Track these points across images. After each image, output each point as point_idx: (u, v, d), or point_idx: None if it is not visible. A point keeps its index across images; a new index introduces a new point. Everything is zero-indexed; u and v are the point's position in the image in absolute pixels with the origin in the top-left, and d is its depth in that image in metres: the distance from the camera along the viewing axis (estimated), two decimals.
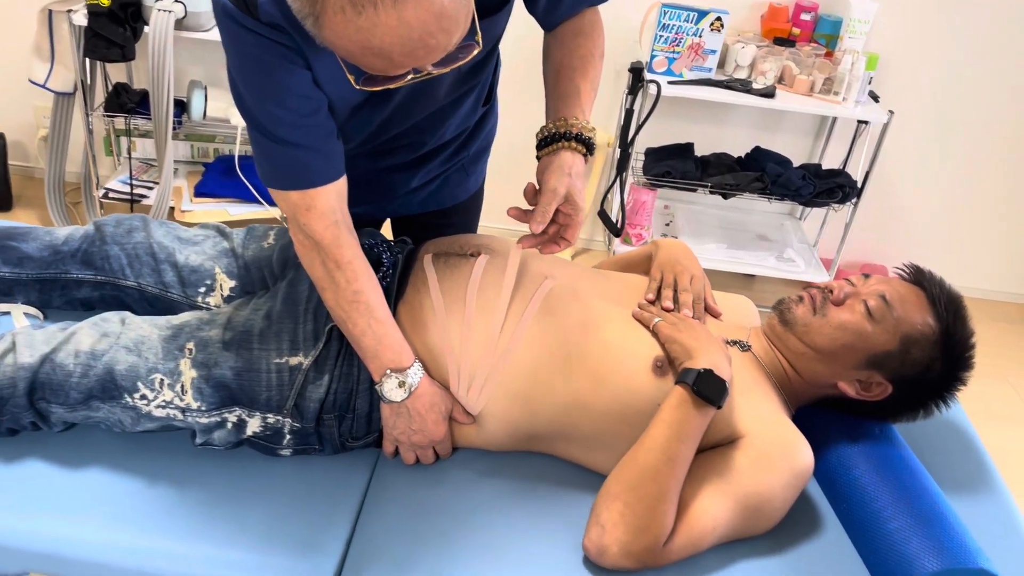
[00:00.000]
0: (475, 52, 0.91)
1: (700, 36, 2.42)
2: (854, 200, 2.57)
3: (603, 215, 2.69)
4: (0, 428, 1.15)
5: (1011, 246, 3.05)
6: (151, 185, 2.70)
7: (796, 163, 2.68)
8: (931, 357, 1.20)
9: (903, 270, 1.29)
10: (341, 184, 1.08)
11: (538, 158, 1.16)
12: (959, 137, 2.82)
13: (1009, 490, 1.33)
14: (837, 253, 2.69)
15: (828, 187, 2.53)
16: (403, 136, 1.28)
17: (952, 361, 1.21)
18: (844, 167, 2.73)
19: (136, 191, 2.64)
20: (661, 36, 2.43)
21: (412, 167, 1.39)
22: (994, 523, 1.24)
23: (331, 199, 1.06)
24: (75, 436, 1.19)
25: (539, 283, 1.22)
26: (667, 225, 2.84)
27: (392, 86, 0.91)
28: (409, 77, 0.90)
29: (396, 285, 1.24)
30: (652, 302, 1.27)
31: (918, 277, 1.26)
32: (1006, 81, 2.72)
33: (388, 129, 1.23)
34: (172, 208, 2.60)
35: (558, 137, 1.14)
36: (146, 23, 2.31)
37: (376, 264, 1.25)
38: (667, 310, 1.25)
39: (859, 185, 2.57)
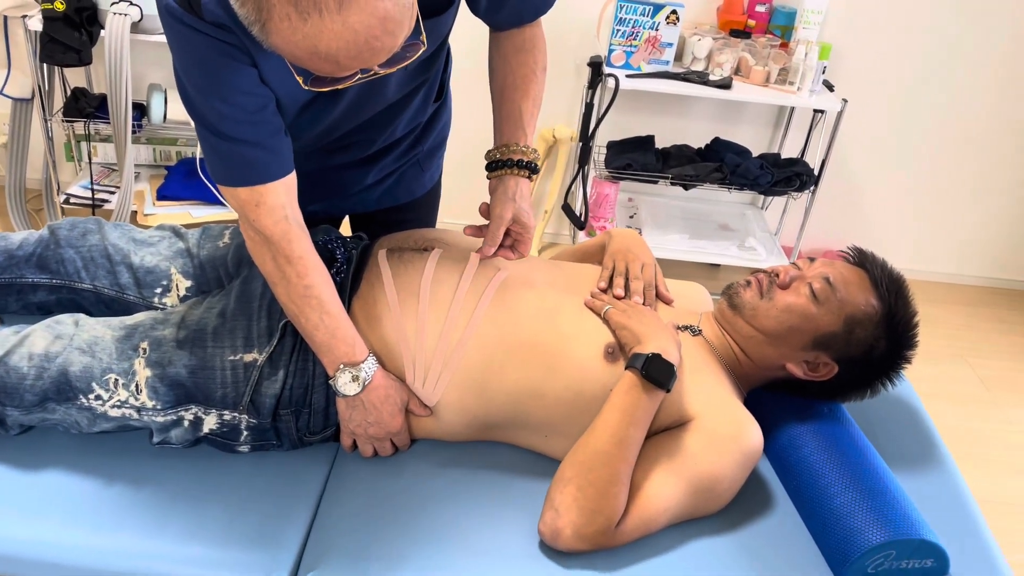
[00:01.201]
0: (421, 51, 0.93)
1: (656, 30, 2.45)
2: (812, 188, 2.62)
3: (567, 209, 2.72)
4: None
5: (967, 230, 3.11)
6: (113, 190, 2.69)
7: (756, 153, 2.72)
8: (875, 336, 1.23)
9: (847, 253, 1.33)
10: (290, 180, 1.10)
11: (489, 178, 1.25)
12: (913, 123, 2.88)
13: (956, 465, 1.37)
14: (797, 240, 2.74)
15: (786, 176, 2.57)
16: (354, 134, 1.29)
17: (896, 340, 1.25)
18: (802, 156, 2.77)
19: (98, 196, 2.63)
20: (618, 30, 2.45)
21: (366, 164, 1.41)
22: (940, 497, 1.28)
23: (280, 195, 1.07)
24: (32, 439, 1.20)
25: (492, 275, 1.24)
26: (631, 217, 2.87)
27: (340, 87, 0.93)
28: (357, 77, 0.91)
29: (350, 281, 1.26)
30: (604, 290, 1.30)
31: (861, 259, 1.30)
32: (957, 67, 2.78)
33: (338, 127, 1.25)
34: (135, 212, 2.59)
35: (502, 164, 1.23)
36: (102, 27, 2.30)
37: (330, 260, 1.27)
38: (618, 298, 1.28)
39: (816, 173, 2.61)
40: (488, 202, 1.26)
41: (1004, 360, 2.81)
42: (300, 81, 0.94)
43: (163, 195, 2.66)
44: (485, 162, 1.26)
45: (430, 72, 1.30)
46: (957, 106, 2.85)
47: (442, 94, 1.43)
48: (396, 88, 1.24)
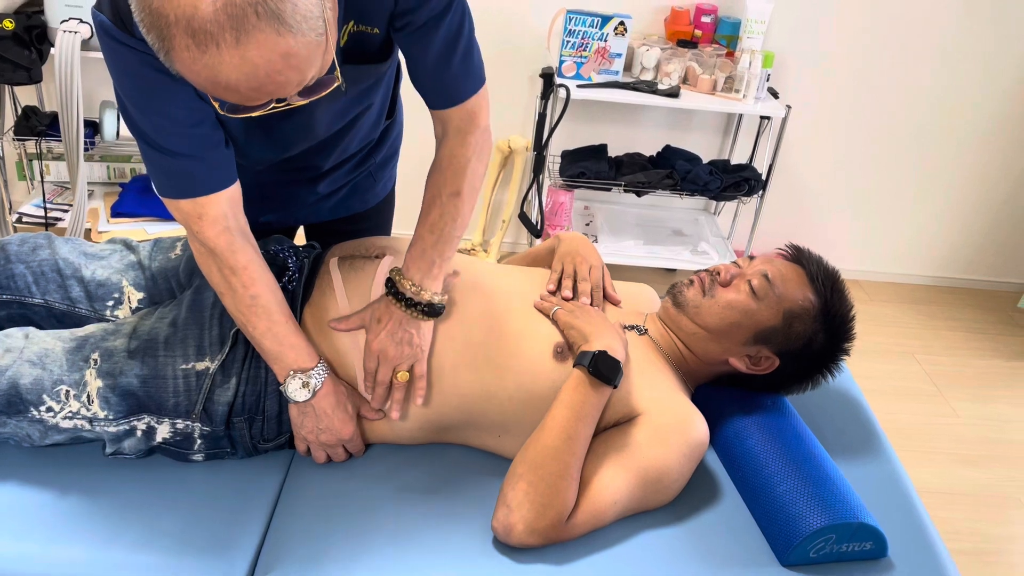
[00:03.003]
0: (335, 85, 0.94)
1: (605, 40, 2.50)
2: (760, 192, 2.68)
3: (523, 217, 2.76)
4: None
5: (912, 230, 3.21)
6: (66, 208, 2.67)
7: (706, 159, 2.78)
8: (813, 330, 1.28)
9: (785, 251, 1.38)
10: (233, 191, 1.11)
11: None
12: (855, 127, 2.97)
13: (896, 454, 1.42)
14: (748, 243, 2.80)
15: (735, 181, 2.63)
16: (303, 158, 1.32)
17: (833, 332, 1.30)
18: (751, 162, 2.84)
19: (51, 214, 2.61)
20: (568, 42, 2.50)
21: (318, 178, 1.43)
22: (880, 485, 1.32)
23: (222, 206, 1.09)
24: None
25: None
26: (587, 225, 2.91)
27: (255, 114, 0.93)
28: (271, 106, 0.92)
29: (302, 289, 1.27)
30: (553, 292, 1.33)
31: (797, 256, 1.35)
32: (895, 73, 2.88)
33: (286, 152, 1.27)
34: (88, 229, 2.57)
35: (393, 290, 1.19)
36: (52, 45, 2.30)
37: (282, 269, 1.28)
38: (567, 299, 1.31)
39: (764, 178, 2.68)
40: None
41: (951, 356, 2.89)
42: (216, 107, 0.94)
43: (117, 212, 2.64)
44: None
45: (373, 100, 1.32)
46: (897, 110, 2.95)
47: (393, 111, 1.46)
48: (333, 118, 1.25)
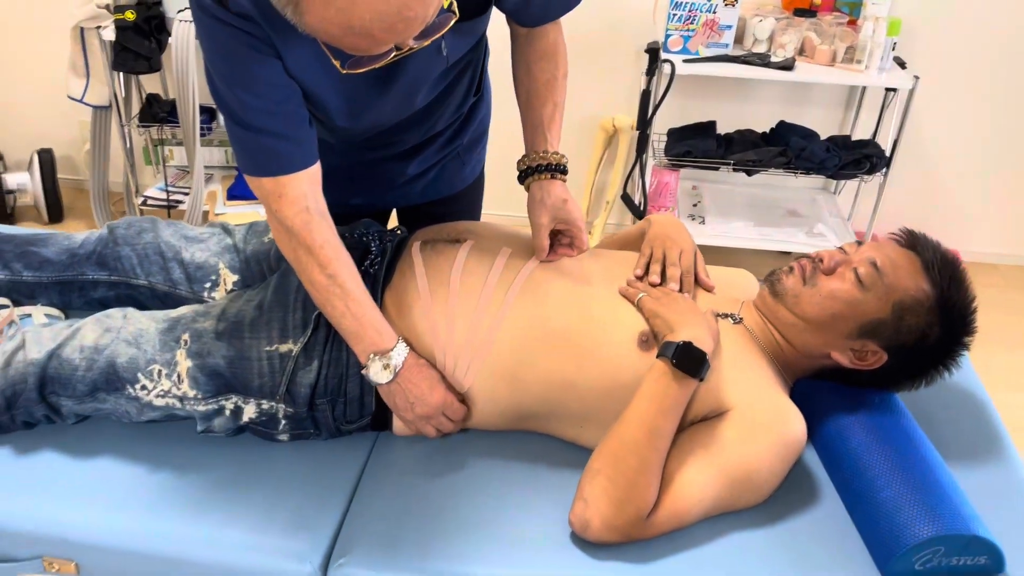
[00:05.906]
0: (453, 21, 0.94)
1: (714, 12, 2.39)
2: (884, 170, 2.51)
3: (626, 198, 2.69)
4: (16, 422, 1.22)
5: None
6: (187, 191, 2.80)
7: (825, 136, 2.62)
8: (927, 323, 1.17)
9: (898, 235, 1.27)
10: (314, 171, 1.12)
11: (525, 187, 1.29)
12: (994, 99, 2.72)
13: (1022, 460, 1.29)
14: (869, 225, 2.63)
15: (855, 158, 2.47)
16: (394, 133, 1.32)
17: (950, 326, 1.18)
18: (874, 137, 2.66)
19: (172, 197, 2.75)
20: (674, 15, 2.41)
21: (406, 157, 1.42)
22: (1002, 493, 1.21)
23: (302, 186, 1.10)
24: (86, 427, 1.26)
25: (522, 265, 1.24)
26: (695, 206, 2.81)
27: (377, 65, 0.94)
28: (392, 55, 0.92)
29: (384, 272, 1.27)
30: (641, 277, 1.28)
31: (912, 241, 1.24)
32: None
33: (385, 120, 1.28)
34: (206, 212, 2.69)
35: (528, 173, 1.27)
36: (169, 34, 2.40)
37: (365, 252, 1.29)
38: (654, 285, 1.26)
39: (888, 155, 2.50)
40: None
41: None
42: (337, 65, 0.95)
43: (233, 195, 2.75)
44: (517, 173, 1.29)
45: (466, 68, 1.31)
46: None
47: (480, 88, 1.44)
48: (426, 93, 1.26)
